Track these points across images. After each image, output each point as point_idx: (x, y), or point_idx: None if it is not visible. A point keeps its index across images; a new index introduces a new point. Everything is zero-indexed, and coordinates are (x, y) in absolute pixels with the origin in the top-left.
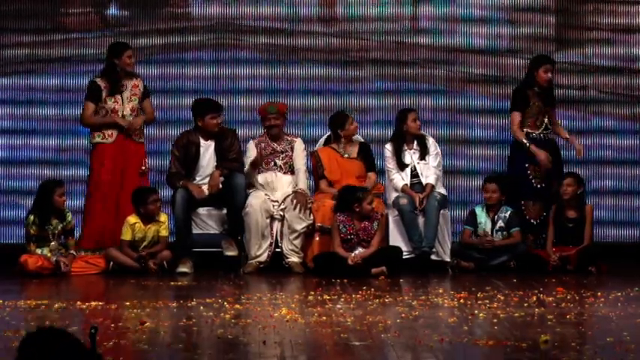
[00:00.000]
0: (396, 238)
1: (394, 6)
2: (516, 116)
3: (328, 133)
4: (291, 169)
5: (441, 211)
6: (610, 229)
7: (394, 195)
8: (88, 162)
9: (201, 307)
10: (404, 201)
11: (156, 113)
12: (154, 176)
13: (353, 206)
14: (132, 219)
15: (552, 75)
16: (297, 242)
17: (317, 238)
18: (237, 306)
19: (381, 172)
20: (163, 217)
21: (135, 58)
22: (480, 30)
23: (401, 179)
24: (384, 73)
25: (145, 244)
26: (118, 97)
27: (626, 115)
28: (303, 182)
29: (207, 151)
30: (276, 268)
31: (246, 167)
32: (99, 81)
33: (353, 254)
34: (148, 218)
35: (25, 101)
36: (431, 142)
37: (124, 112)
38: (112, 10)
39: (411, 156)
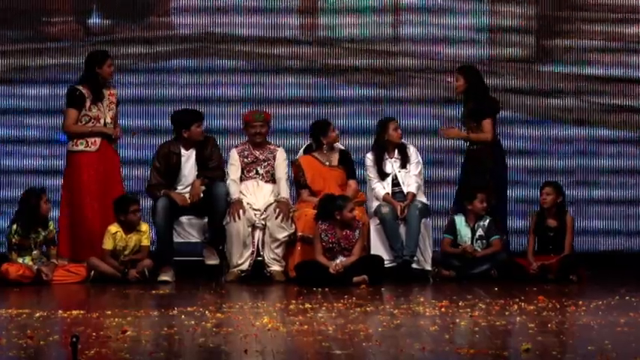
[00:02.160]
0: (378, 247)
1: (375, 15)
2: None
3: (308, 142)
4: (272, 178)
5: (423, 220)
6: (591, 237)
7: (375, 204)
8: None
9: (183, 316)
10: (385, 210)
11: (137, 121)
12: (134, 185)
13: (334, 214)
14: (113, 228)
15: (459, 83)
16: (279, 251)
17: (299, 247)
18: (219, 315)
19: (363, 181)
20: (145, 227)
21: (115, 66)
22: (459, 39)
23: (382, 188)
24: (365, 81)
25: (126, 252)
26: (100, 104)
27: (609, 124)
28: (285, 191)
29: (189, 160)
30: (257, 277)
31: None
32: (81, 88)
33: (335, 263)
34: (129, 227)
35: (5, 110)
36: (412, 151)
37: (106, 120)
38: (94, 19)
39: (392, 165)
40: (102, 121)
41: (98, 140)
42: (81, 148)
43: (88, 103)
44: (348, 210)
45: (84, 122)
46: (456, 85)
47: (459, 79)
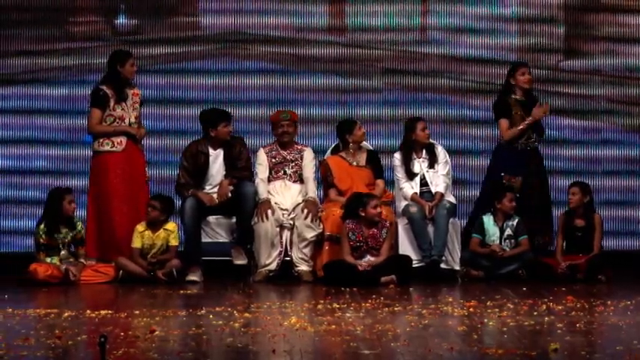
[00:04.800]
0: (406, 247)
1: (402, 17)
2: (504, 122)
3: (336, 142)
4: (300, 178)
5: (451, 220)
6: (618, 238)
7: (404, 204)
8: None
9: (211, 316)
10: (413, 209)
11: (163, 123)
12: (161, 186)
13: (358, 211)
14: (140, 227)
15: (531, 76)
16: (307, 251)
17: (326, 247)
18: (247, 314)
19: (391, 182)
20: (172, 226)
21: (139, 66)
22: (488, 41)
23: (410, 188)
24: (393, 83)
25: (153, 251)
26: (124, 104)
27: (633, 125)
28: (313, 191)
29: (217, 160)
30: (285, 277)
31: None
32: (105, 88)
33: (363, 261)
34: (154, 225)
35: (31, 110)
36: (440, 150)
37: (131, 120)
38: (121, 19)
39: (420, 165)
40: (126, 120)
41: (124, 140)
42: (107, 148)
43: (112, 103)
44: (372, 207)
45: (108, 122)
46: (529, 78)
47: (527, 72)
